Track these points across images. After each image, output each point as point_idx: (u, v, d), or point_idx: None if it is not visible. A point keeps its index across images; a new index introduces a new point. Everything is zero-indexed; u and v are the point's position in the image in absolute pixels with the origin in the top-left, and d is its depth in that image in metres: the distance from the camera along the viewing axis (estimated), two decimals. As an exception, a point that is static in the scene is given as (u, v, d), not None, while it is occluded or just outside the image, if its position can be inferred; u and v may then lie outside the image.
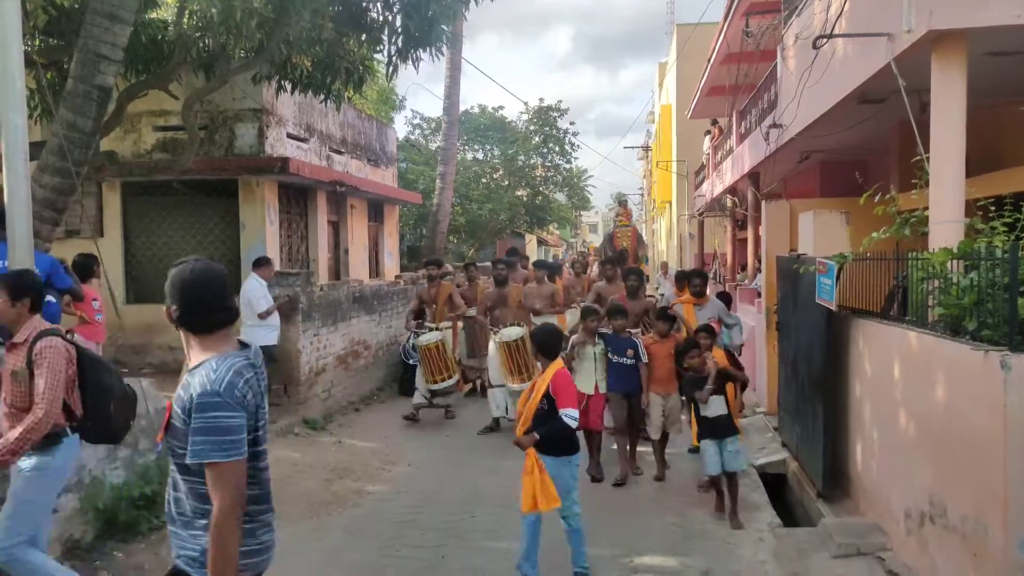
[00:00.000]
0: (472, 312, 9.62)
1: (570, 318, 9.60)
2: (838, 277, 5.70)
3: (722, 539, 5.44)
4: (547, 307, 8.98)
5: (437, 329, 9.17)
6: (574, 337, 7.09)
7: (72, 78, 6.04)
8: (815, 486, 6.18)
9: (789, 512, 6.65)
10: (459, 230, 25.89)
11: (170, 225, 10.98)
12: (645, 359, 6.77)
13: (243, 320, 8.08)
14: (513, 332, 8.23)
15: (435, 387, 9.00)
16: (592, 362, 6.84)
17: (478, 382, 10.19)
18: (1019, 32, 5.53)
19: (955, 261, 4.38)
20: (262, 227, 10.70)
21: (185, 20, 8.21)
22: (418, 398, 9.23)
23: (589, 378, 6.79)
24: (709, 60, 15.39)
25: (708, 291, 8.47)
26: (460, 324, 9.71)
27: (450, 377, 9.04)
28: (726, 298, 9.22)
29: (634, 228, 13.12)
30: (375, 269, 15.88)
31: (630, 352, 6.78)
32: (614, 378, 6.78)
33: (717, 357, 6.28)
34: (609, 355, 6.81)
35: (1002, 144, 7.24)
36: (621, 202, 14.66)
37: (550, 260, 23.96)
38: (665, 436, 6.94)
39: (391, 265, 16.69)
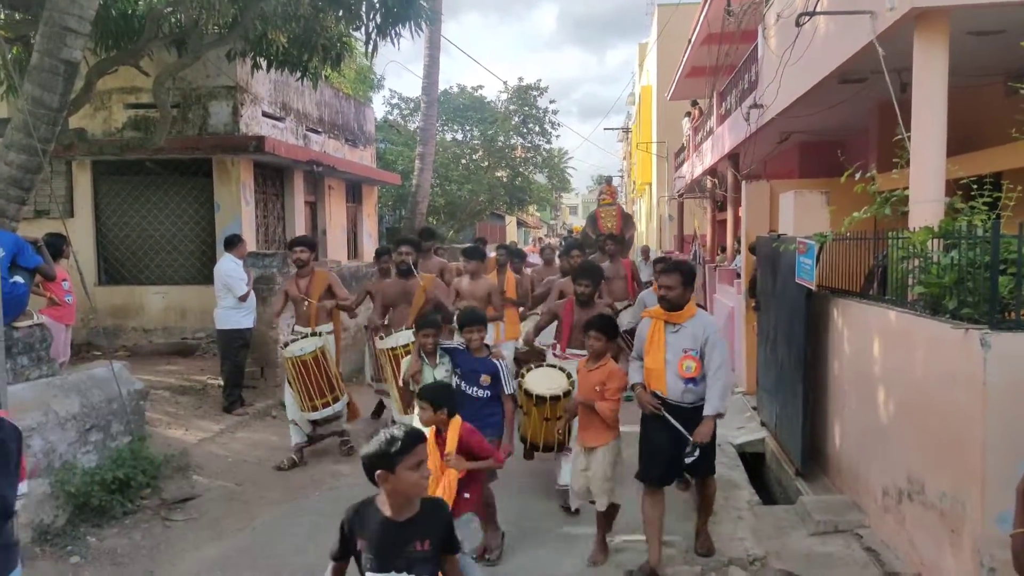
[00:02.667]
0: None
1: (528, 325, 7.48)
2: (818, 257, 5.69)
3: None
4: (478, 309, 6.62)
5: (314, 334, 6.67)
6: (405, 363, 5.40)
7: (38, 52, 5.85)
8: (794, 464, 6.21)
9: (768, 490, 6.70)
10: (439, 211, 25.72)
11: (143, 205, 10.76)
12: (511, 388, 4.85)
13: (219, 302, 7.95)
14: (403, 337, 6.36)
15: (315, 416, 6.68)
16: None
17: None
18: (1000, 11, 5.54)
19: (935, 240, 4.38)
20: (237, 207, 10.52)
21: (156, -7, 8.01)
22: (297, 436, 6.78)
23: None
24: (690, 40, 15.33)
25: (694, 295, 4.94)
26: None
27: (335, 400, 6.69)
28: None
29: (619, 207, 11.71)
30: (354, 250, 15.73)
31: (485, 379, 4.71)
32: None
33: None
34: (458, 381, 4.80)
35: (982, 124, 7.27)
36: (606, 179, 13.14)
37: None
38: (613, 508, 4.77)
39: (370, 246, 16.55)
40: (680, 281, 4.47)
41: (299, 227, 12.59)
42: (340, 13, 8.68)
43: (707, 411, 4.35)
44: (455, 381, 4.76)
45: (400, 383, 5.79)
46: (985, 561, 3.67)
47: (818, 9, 6.75)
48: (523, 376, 5.35)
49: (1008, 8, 5.49)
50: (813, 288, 5.73)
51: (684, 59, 16.57)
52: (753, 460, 7.18)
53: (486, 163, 26.91)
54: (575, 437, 5.04)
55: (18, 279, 5.61)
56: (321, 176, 13.21)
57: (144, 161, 10.33)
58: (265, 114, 11.41)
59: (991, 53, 6.60)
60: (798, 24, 7.03)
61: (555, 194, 38.35)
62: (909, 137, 5.53)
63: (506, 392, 4.79)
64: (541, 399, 5.16)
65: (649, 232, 32.29)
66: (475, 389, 4.70)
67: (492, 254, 9.36)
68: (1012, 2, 5.41)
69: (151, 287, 10.59)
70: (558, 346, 5.99)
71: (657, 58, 25.99)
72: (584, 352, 5.02)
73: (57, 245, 6.85)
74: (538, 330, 6.31)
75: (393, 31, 8.52)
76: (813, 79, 7.50)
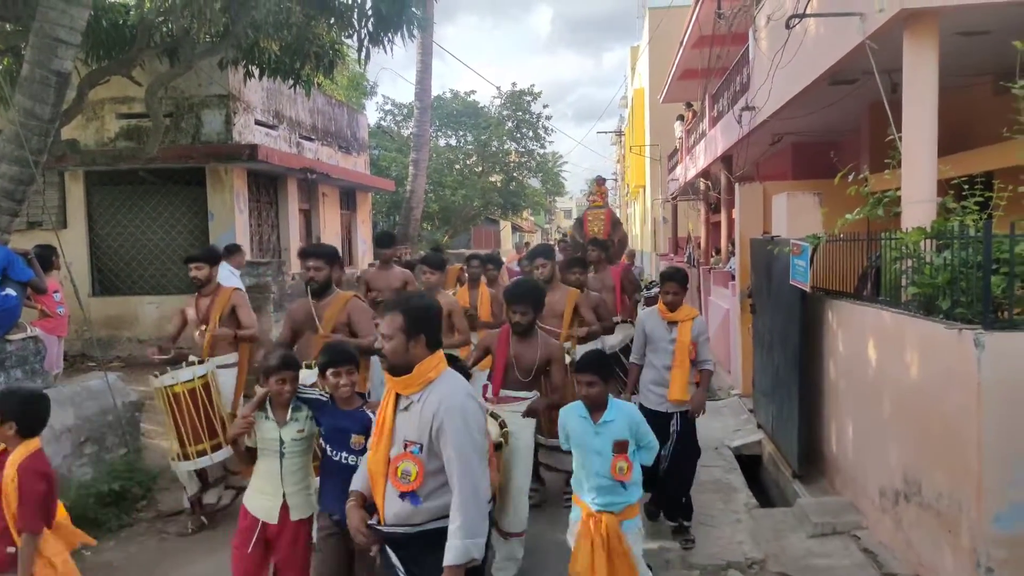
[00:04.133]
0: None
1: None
2: (812, 259, 5.70)
3: (698, 522, 5.45)
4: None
5: (201, 361, 5.33)
6: (240, 414, 3.82)
7: (28, 63, 5.84)
8: (790, 467, 6.21)
9: (765, 493, 6.69)
10: (433, 217, 25.75)
11: (136, 215, 10.74)
12: None
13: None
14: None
15: (187, 466, 5.14)
16: (275, 456, 3.55)
17: None
18: (989, 11, 5.56)
19: (928, 240, 4.39)
20: (231, 216, 10.51)
21: (147, 3, 7.99)
22: (191, 487, 5.37)
23: (272, 485, 3.55)
24: (681, 43, 15.37)
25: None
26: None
27: (217, 448, 5.16)
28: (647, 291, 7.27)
29: (608, 210, 10.92)
30: (348, 257, 15.72)
31: (357, 440, 3.39)
32: (328, 490, 3.44)
33: None
34: (322, 443, 3.55)
35: (973, 124, 7.29)
36: (597, 180, 12.19)
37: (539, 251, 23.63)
38: None
39: (364, 253, 16.54)
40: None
41: (294, 235, 12.58)
42: (332, 21, 8.69)
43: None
44: (323, 443, 3.55)
45: (226, 439, 4.61)
46: (982, 561, 3.67)
47: (808, 11, 6.78)
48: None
49: (997, 8, 5.52)
50: (808, 290, 5.74)
51: (676, 62, 16.61)
52: (750, 463, 7.17)
53: (480, 168, 26.96)
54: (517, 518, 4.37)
55: (9, 291, 5.59)
56: (315, 183, 13.21)
57: (137, 171, 10.31)
58: (258, 122, 11.40)
59: (980, 53, 6.62)
60: (788, 26, 7.06)
61: (549, 198, 38.33)
62: (900, 137, 5.55)
63: None
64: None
65: (643, 235, 32.32)
66: (344, 454, 3.41)
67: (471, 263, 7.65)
68: (1000, 2, 5.43)
69: (145, 297, 10.56)
70: (490, 388, 4.67)
71: (649, 61, 26.07)
72: (526, 395, 4.56)
73: (47, 257, 6.81)
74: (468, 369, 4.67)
75: (385, 38, 8.53)
76: (804, 81, 7.52)
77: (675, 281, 5.12)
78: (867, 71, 5.96)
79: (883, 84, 5.84)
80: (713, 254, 15.24)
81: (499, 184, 27.50)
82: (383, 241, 7.50)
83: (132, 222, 10.75)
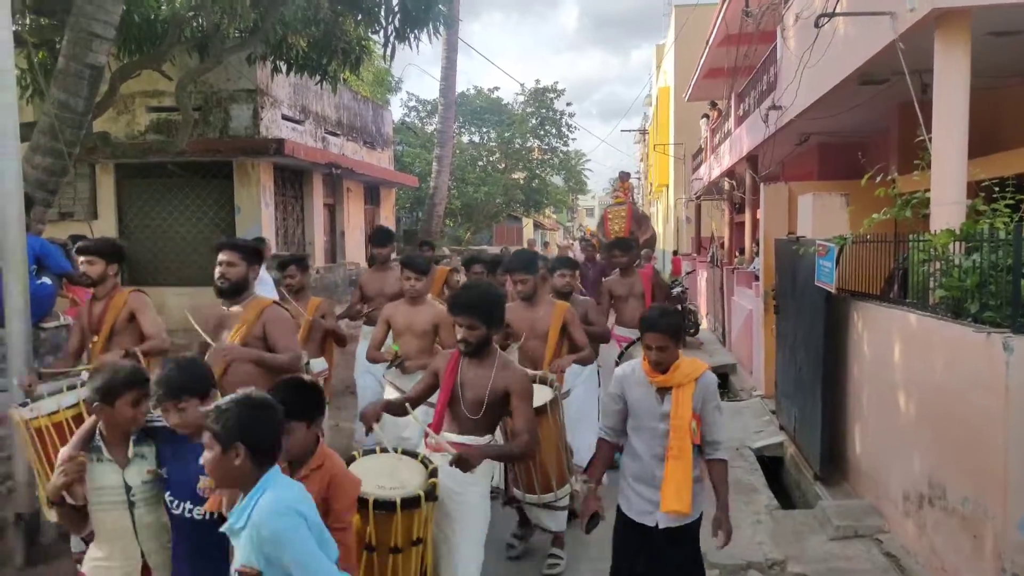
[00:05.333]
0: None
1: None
2: (838, 260, 5.66)
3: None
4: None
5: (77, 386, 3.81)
6: (61, 456, 2.70)
7: (63, 57, 5.95)
8: (812, 469, 6.18)
9: (786, 495, 6.66)
10: (455, 213, 25.84)
11: (164, 207, 10.91)
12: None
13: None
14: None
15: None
16: (123, 509, 2.70)
17: None
18: (1022, 11, 5.47)
19: (957, 243, 4.35)
20: (257, 210, 10.63)
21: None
22: (74, 543, 4.10)
23: (124, 550, 2.73)
24: (708, 41, 15.27)
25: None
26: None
27: None
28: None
29: (630, 206, 10.14)
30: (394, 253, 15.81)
31: (207, 485, 2.60)
32: (178, 556, 2.71)
33: None
34: (168, 498, 2.69)
35: (1004, 125, 7.19)
36: (621, 176, 10.70)
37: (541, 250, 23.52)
38: None
39: (387, 248, 16.63)
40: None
41: (318, 229, 12.69)
42: (359, 17, 8.77)
43: None
44: (168, 498, 2.69)
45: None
46: (1007, 567, 3.63)
47: (838, 10, 6.71)
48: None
49: (1031, 8, 5.44)
50: (833, 291, 5.70)
51: (701, 60, 16.51)
52: (772, 464, 7.14)
53: (503, 165, 27.02)
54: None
55: (45, 280, 5.71)
56: (339, 179, 13.31)
57: (166, 164, 10.47)
58: (285, 117, 11.52)
59: (1012, 53, 6.53)
60: (817, 25, 7.00)
61: (572, 196, 38.26)
62: (930, 139, 5.49)
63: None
64: (381, 507, 2.90)
65: (666, 234, 32.19)
66: (187, 505, 2.64)
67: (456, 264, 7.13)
68: (1035, 2, 5.35)
69: (172, 288, 10.71)
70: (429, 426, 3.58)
71: (674, 59, 25.93)
72: (477, 439, 3.45)
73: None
74: (414, 400, 3.71)
75: (411, 34, 8.59)
76: (833, 81, 7.45)
77: (659, 331, 3.23)
78: (897, 71, 5.90)
79: (913, 84, 5.78)
80: (737, 254, 15.15)
81: (522, 181, 27.55)
82: (379, 238, 6.52)
83: (160, 214, 10.92)
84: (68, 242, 6.39)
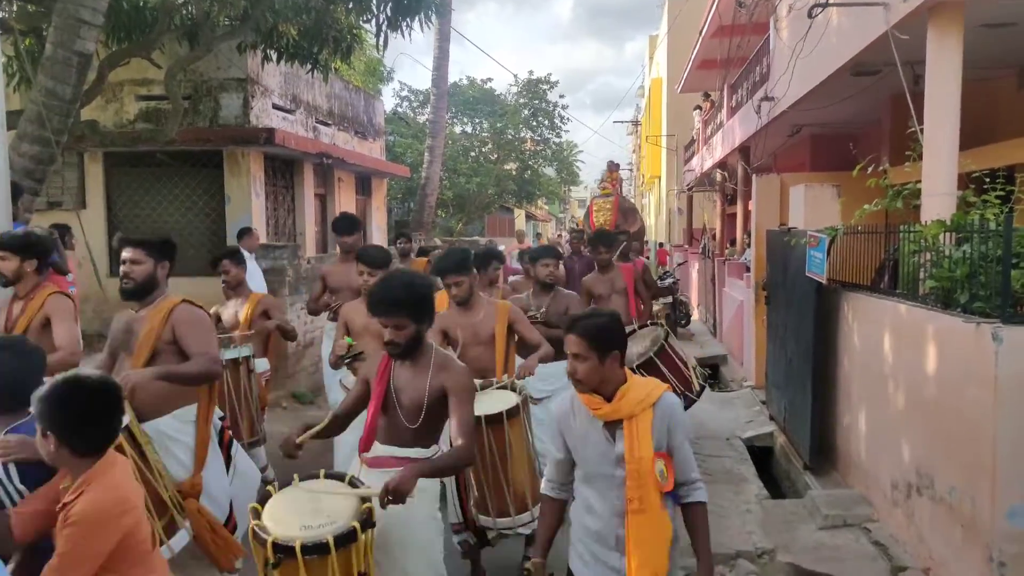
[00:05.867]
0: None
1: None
2: (829, 250, 5.68)
3: (709, 511, 5.47)
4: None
5: None
6: None
7: (51, 44, 5.89)
8: (802, 458, 6.21)
9: (776, 484, 6.70)
10: (447, 204, 25.77)
11: (154, 197, 10.82)
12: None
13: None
14: None
15: None
16: None
17: None
18: (1014, 3, 5.48)
19: (947, 234, 4.36)
20: (248, 199, 10.56)
21: (167, -14, 8.03)
22: None
23: None
24: (700, 32, 15.25)
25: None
26: None
27: None
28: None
29: (617, 197, 9.72)
30: (363, 242, 15.75)
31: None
32: None
33: None
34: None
35: (995, 117, 7.21)
36: (609, 166, 10.30)
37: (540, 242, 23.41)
38: None
39: (379, 239, 16.58)
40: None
41: (309, 219, 12.63)
42: (350, 5, 8.70)
43: None
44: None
45: None
46: (995, 555, 3.66)
47: (831, 0, 6.70)
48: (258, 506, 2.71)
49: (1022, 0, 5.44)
50: (824, 282, 5.71)
51: (694, 51, 16.49)
52: (762, 454, 7.18)
53: (495, 156, 26.95)
54: None
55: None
56: (331, 168, 13.24)
57: (155, 153, 10.37)
58: (275, 106, 11.44)
59: (1004, 45, 6.54)
60: (810, 16, 6.99)
61: (564, 188, 38.21)
62: (922, 130, 5.50)
63: None
64: (312, 551, 2.50)
65: (658, 225, 32.21)
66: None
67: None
68: (1027, -6, 5.36)
69: (162, 278, 10.63)
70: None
71: (667, 50, 25.87)
72: (422, 451, 3.04)
73: (61, 236, 6.89)
74: (343, 416, 3.32)
75: (404, 23, 8.53)
76: (825, 72, 7.45)
77: (575, 333, 2.54)
78: (889, 62, 5.90)
79: (905, 76, 5.78)
80: (728, 245, 15.19)
81: (514, 172, 27.49)
82: (343, 226, 6.09)
83: (150, 204, 10.83)
84: (55, 233, 6.34)
